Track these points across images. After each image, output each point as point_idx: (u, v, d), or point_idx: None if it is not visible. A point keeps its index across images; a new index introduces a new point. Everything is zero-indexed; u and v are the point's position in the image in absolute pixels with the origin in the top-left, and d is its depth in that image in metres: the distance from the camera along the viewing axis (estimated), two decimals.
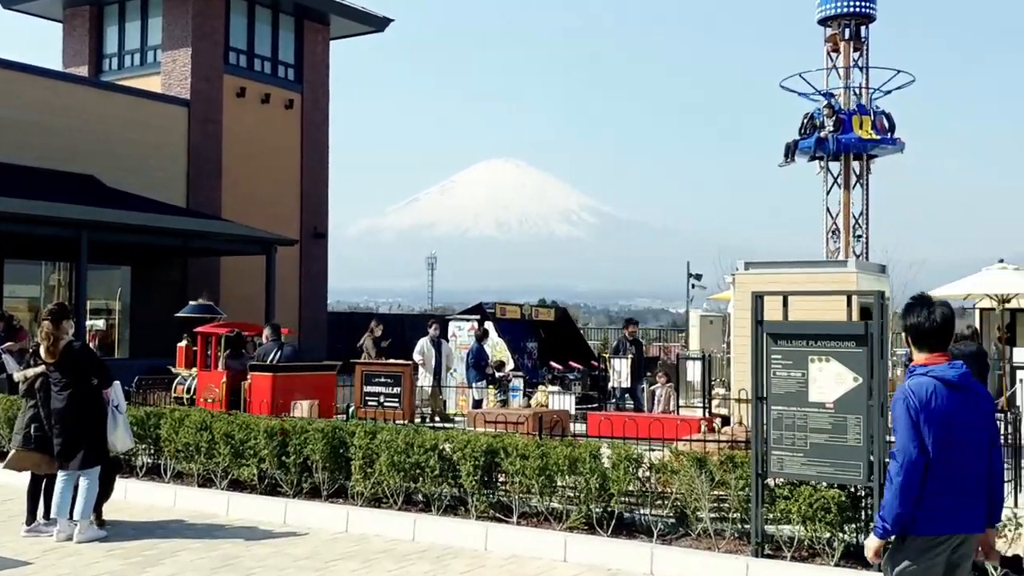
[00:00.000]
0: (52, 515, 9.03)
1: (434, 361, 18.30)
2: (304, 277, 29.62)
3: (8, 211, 19.13)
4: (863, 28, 21.88)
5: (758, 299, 7.81)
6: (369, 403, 16.15)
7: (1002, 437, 11.16)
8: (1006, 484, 8.73)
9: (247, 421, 10.63)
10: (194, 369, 15.89)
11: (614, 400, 17.63)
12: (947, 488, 4.61)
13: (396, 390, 16.09)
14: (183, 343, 16.60)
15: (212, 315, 17.14)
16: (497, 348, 19.63)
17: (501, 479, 9.04)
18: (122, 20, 28.37)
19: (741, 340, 13.66)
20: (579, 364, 20.85)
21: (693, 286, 28.34)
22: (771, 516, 7.73)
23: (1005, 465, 5.23)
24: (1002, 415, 13.44)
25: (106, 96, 25.44)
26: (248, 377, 14.33)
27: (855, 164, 21.79)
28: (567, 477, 8.57)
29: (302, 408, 13.08)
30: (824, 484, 7.41)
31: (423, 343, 18.55)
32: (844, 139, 21.00)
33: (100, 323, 25.20)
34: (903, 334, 4.91)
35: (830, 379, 7.22)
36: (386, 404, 15.98)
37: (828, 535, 7.40)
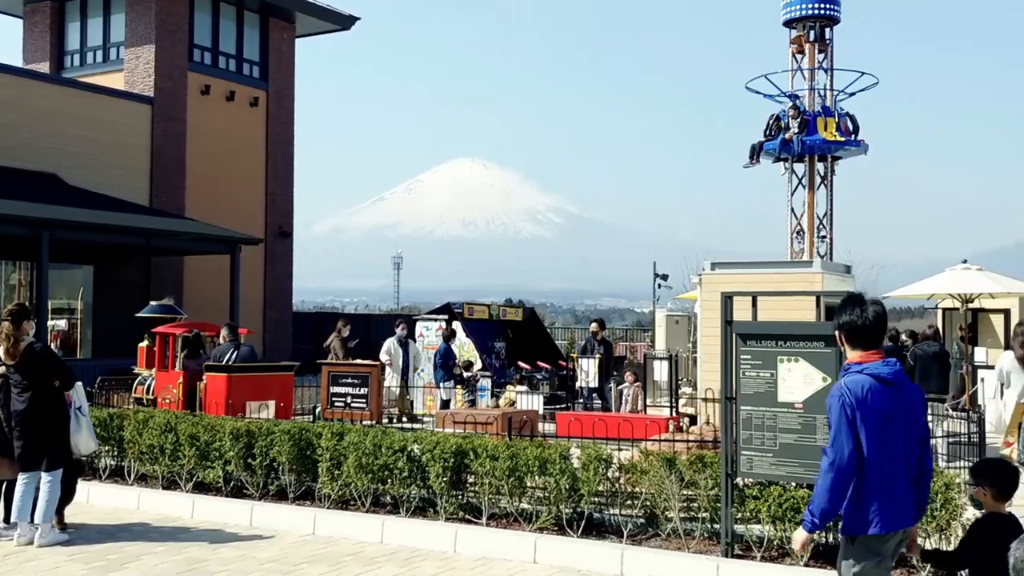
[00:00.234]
0: (13, 519, 8.86)
1: (401, 361, 18.21)
2: (269, 277, 29.39)
3: None
4: (827, 30, 22.05)
5: (727, 299, 7.83)
6: (336, 404, 16.04)
7: (966, 436, 11.31)
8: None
9: (212, 423, 10.52)
10: (154, 370, 15.76)
11: (582, 400, 17.64)
12: (887, 485, 4.67)
13: (363, 391, 15.99)
14: (144, 343, 16.46)
15: (173, 315, 17.03)
16: (465, 348, 19.57)
17: (470, 480, 8.99)
18: (84, 16, 28.01)
19: (708, 340, 13.71)
20: (547, 364, 20.84)
21: (660, 286, 28.44)
22: (741, 516, 7.75)
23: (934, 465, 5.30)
24: (965, 414, 13.61)
25: (68, 93, 25.09)
26: (204, 378, 14.23)
27: (819, 165, 21.97)
28: (537, 478, 8.54)
29: (258, 409, 12.93)
30: (794, 484, 7.44)
31: (390, 343, 18.45)
32: (809, 141, 21.16)
33: (62, 323, 24.86)
34: (836, 332, 4.92)
35: (799, 379, 7.23)
36: (353, 405, 15.88)
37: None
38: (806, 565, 7.28)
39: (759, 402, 7.40)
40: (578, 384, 17.78)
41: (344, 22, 31.29)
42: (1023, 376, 10.26)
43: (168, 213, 25.29)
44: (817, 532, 4.77)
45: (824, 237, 22.26)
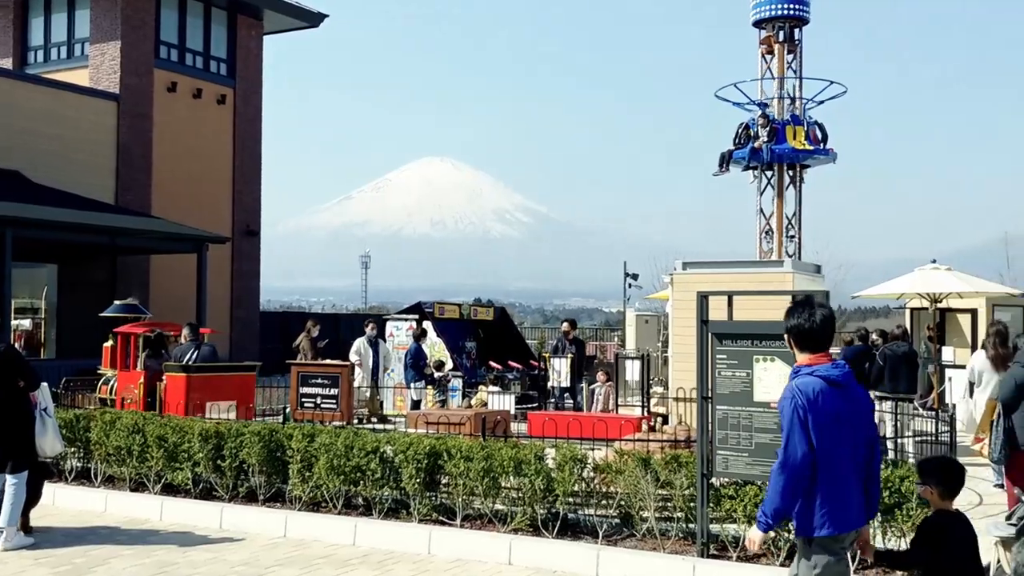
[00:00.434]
0: None
1: (371, 361, 18.08)
2: (236, 276, 29.11)
3: None
4: (796, 30, 22.14)
5: (703, 299, 7.81)
6: (306, 405, 15.91)
7: (934, 436, 11.39)
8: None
9: (181, 424, 10.38)
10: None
11: (553, 399, 17.60)
12: (837, 486, 4.72)
13: (333, 391, 15.86)
14: (109, 343, 16.31)
15: (137, 315, 16.87)
16: (436, 348, 19.48)
17: (444, 481, 8.92)
18: (48, 11, 27.60)
19: (681, 339, 13.71)
20: (518, 364, 20.79)
21: (630, 285, 28.46)
22: (716, 516, 7.73)
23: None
24: (934, 413, 13.71)
25: (32, 90, 24.69)
26: (164, 378, 14.09)
27: (788, 173, 22.04)
28: (512, 479, 8.48)
29: (218, 409, 12.75)
30: None
31: (360, 343, 18.31)
32: (778, 149, 21.21)
33: (26, 323, 24.52)
34: (785, 336, 4.99)
35: (775, 379, 7.21)
36: (323, 406, 15.75)
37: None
38: (782, 564, 7.28)
39: (735, 402, 7.38)
40: (550, 384, 17.75)
41: (313, 19, 31.06)
42: (995, 376, 10.33)
43: (134, 211, 24.98)
44: (772, 531, 4.83)
45: (793, 237, 22.35)
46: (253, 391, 14.82)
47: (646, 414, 15.58)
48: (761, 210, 22.27)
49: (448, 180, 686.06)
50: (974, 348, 17.91)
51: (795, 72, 22.19)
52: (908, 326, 18.04)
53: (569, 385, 17.28)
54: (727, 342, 7.48)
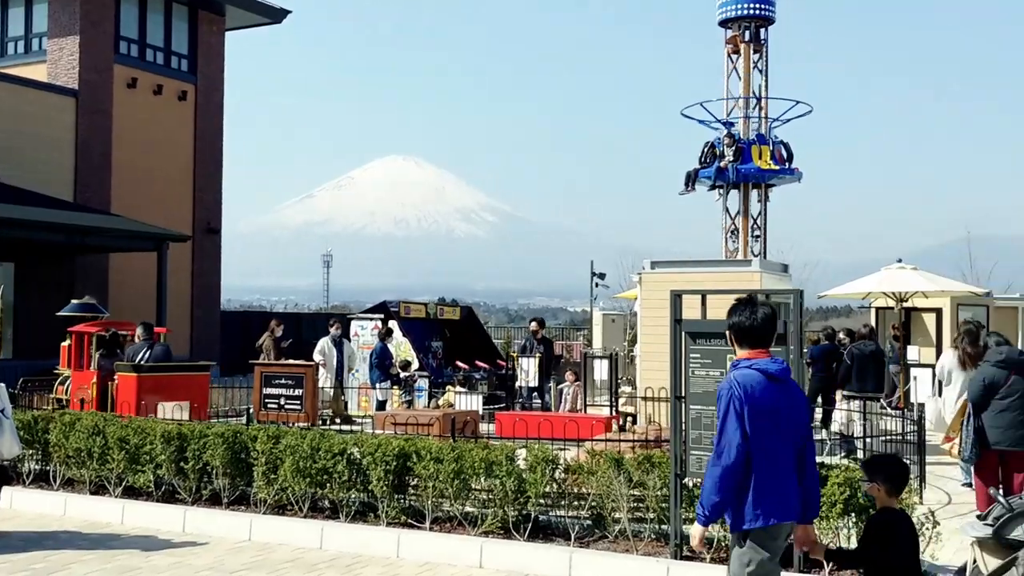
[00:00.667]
0: None
1: (335, 361, 17.85)
2: (197, 274, 28.72)
3: None
4: (762, 30, 22.21)
5: (677, 298, 7.73)
6: (269, 406, 15.70)
7: (903, 435, 11.41)
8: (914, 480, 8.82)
9: (143, 425, 10.17)
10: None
11: (520, 399, 17.49)
12: (773, 479, 4.73)
13: (298, 392, 15.68)
14: (67, 343, 16.04)
15: (94, 314, 16.58)
16: (402, 348, 19.30)
17: (413, 483, 8.78)
18: (4, 6, 27.07)
19: (650, 338, 13.65)
20: (485, 364, 20.66)
21: (597, 285, 28.39)
22: (690, 517, 7.64)
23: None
24: (900, 412, 13.76)
25: None
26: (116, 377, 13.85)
27: (754, 192, 22.06)
28: (483, 480, 8.36)
29: (169, 410, 12.53)
30: None
31: (324, 343, 18.07)
32: (744, 169, 21.18)
33: None
34: (727, 332, 5.08)
35: None
36: (287, 407, 15.56)
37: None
38: None
39: (709, 401, 7.29)
40: (518, 383, 17.63)
41: (275, 15, 30.71)
42: (963, 375, 10.35)
43: (93, 209, 24.56)
44: (711, 525, 4.92)
45: (758, 237, 22.42)
46: (207, 391, 14.60)
47: (615, 414, 15.52)
48: (727, 209, 22.30)
49: (412, 178, 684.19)
50: (939, 347, 18.04)
51: (761, 72, 22.26)
52: (874, 325, 18.11)
53: (537, 385, 17.18)
54: (701, 341, 7.41)
